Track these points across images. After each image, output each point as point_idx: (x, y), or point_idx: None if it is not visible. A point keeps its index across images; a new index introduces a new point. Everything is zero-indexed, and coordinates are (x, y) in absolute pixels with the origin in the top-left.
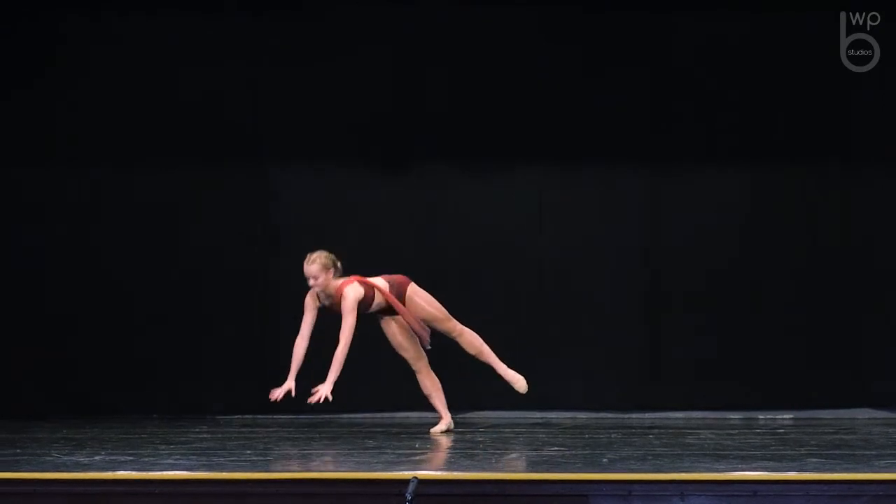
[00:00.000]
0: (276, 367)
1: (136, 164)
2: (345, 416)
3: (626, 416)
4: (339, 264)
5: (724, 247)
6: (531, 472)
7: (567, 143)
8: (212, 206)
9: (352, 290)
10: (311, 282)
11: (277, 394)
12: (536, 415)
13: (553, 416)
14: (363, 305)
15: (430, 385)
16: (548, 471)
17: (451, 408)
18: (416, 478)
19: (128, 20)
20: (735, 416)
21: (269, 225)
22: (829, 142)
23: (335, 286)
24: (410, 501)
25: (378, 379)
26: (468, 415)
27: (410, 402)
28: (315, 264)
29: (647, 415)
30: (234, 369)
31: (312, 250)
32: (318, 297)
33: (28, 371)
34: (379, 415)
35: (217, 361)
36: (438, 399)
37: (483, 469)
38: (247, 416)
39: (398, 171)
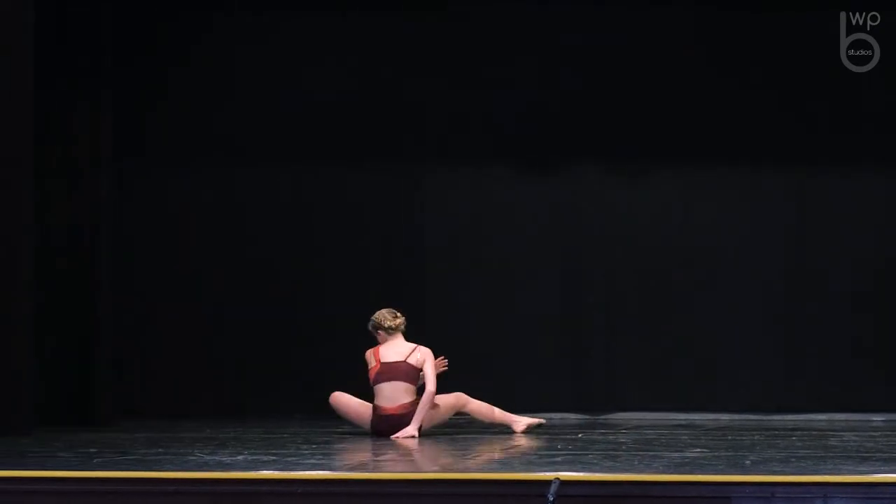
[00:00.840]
0: None
1: (280, 164)
2: None
3: (769, 417)
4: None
5: (872, 246)
6: (674, 473)
7: (712, 145)
8: (358, 209)
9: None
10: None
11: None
12: (679, 416)
13: (696, 418)
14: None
15: (484, 410)
16: (690, 472)
17: (595, 410)
18: (558, 479)
19: (273, 19)
20: (878, 418)
21: (414, 226)
22: None
23: None
24: (552, 502)
25: (521, 380)
26: (611, 416)
27: (553, 403)
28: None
29: (790, 416)
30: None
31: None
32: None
33: (174, 370)
34: (526, 416)
35: (361, 362)
36: (499, 413)
37: (625, 470)
38: None
39: (543, 172)
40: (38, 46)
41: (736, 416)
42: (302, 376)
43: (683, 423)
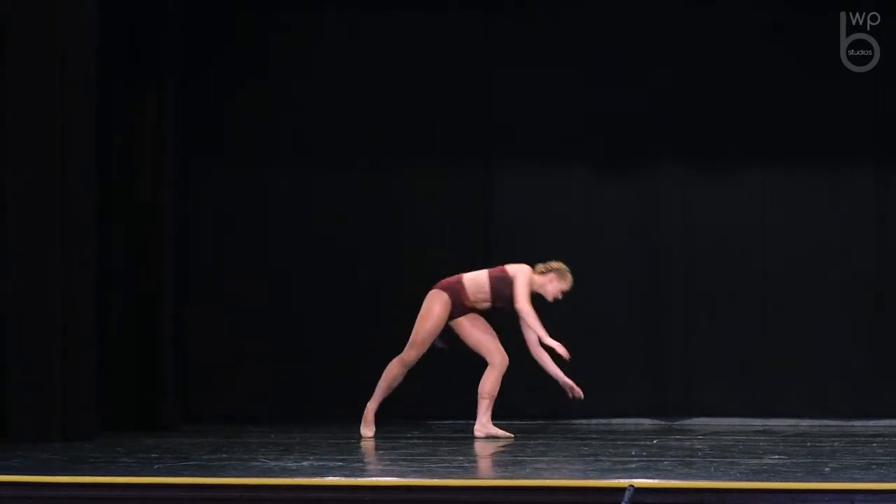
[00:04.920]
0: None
1: (356, 162)
2: (560, 422)
3: (850, 423)
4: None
5: None
6: (751, 480)
7: (792, 144)
8: (427, 207)
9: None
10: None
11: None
12: (757, 422)
13: (774, 424)
14: None
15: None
16: (768, 479)
17: (671, 415)
18: (632, 486)
19: (351, 18)
20: None
21: (494, 225)
22: None
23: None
24: None
25: (594, 384)
26: (686, 421)
27: (628, 409)
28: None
29: (871, 422)
30: (448, 374)
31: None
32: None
33: (240, 375)
34: (594, 421)
35: (430, 366)
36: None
37: (701, 477)
38: (460, 422)
39: (623, 171)
40: (106, 42)
41: (815, 422)
42: (372, 381)
43: (761, 429)
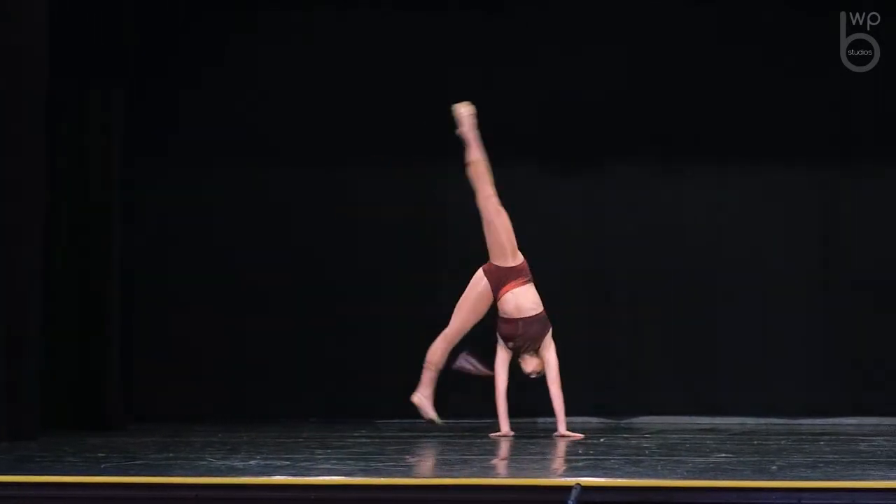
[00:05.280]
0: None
1: (305, 161)
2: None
3: (797, 422)
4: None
5: None
6: (698, 479)
7: (744, 142)
8: (386, 207)
9: None
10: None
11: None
12: (704, 420)
13: (721, 422)
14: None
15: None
16: (715, 478)
17: (615, 413)
18: (579, 484)
19: (304, 17)
20: None
21: (445, 222)
22: None
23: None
24: None
25: (540, 383)
26: (633, 420)
27: (574, 408)
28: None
29: (818, 421)
30: (395, 372)
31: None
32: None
33: (186, 374)
34: (541, 419)
35: (378, 365)
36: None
37: (648, 476)
38: (406, 421)
39: (571, 169)
40: (54, 41)
41: (762, 421)
42: (317, 380)
43: (708, 427)
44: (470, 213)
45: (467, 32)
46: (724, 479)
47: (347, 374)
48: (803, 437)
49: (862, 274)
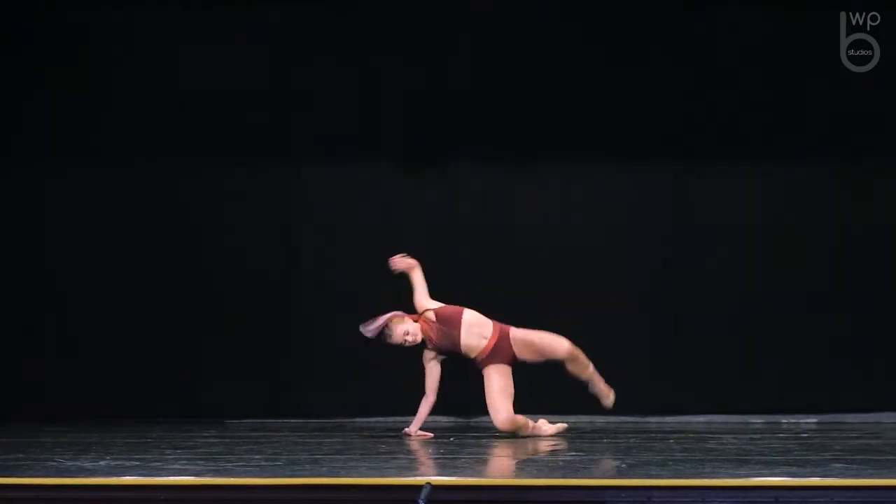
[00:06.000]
0: (286, 369)
1: (155, 162)
2: (358, 420)
3: (646, 420)
4: (395, 317)
5: (749, 248)
6: (548, 477)
7: (593, 140)
8: (230, 206)
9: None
10: (409, 338)
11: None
12: (555, 419)
13: (571, 420)
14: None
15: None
16: (565, 476)
17: (465, 412)
18: (429, 483)
19: (151, 15)
20: (757, 420)
21: (289, 225)
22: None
23: (417, 325)
24: None
25: (391, 382)
26: (483, 419)
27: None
28: (396, 328)
29: (668, 419)
30: (244, 372)
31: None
32: (434, 351)
33: (35, 374)
34: (392, 419)
35: (228, 364)
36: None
37: (497, 475)
38: (256, 420)
39: (421, 168)
40: None
41: (612, 419)
42: (167, 379)
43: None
44: (326, 212)
45: (314, 28)
46: (573, 478)
47: (196, 373)
48: (653, 435)
49: (710, 271)
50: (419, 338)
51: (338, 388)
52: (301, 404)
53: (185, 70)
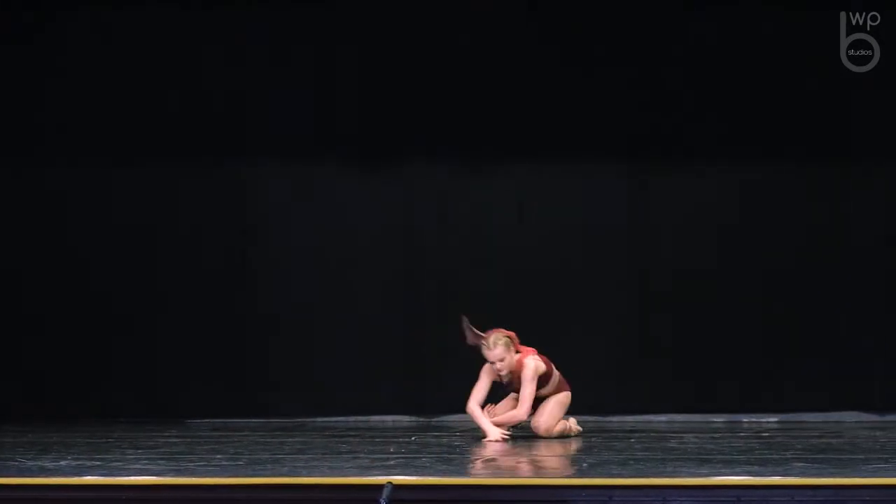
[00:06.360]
0: (247, 369)
1: (107, 161)
2: (319, 419)
3: (607, 419)
4: (516, 341)
5: (711, 247)
6: (509, 476)
7: (550, 139)
8: (185, 205)
9: (532, 361)
10: (498, 365)
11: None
12: None
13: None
14: (540, 381)
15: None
16: (526, 475)
17: (427, 411)
18: (390, 483)
19: (100, 15)
20: (719, 419)
21: (244, 224)
22: (826, 142)
23: (514, 360)
24: None
25: (353, 382)
26: (445, 418)
27: (385, 406)
28: (498, 348)
29: (629, 418)
30: (205, 372)
31: (487, 332)
32: (500, 375)
33: None
34: (353, 418)
35: (188, 364)
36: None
37: (460, 473)
38: (217, 420)
39: (376, 168)
40: None
41: (573, 418)
42: (128, 380)
43: (519, 425)
44: (282, 211)
45: (270, 25)
46: (535, 477)
47: (158, 374)
48: (614, 434)
49: (669, 272)
50: (504, 376)
51: (299, 388)
52: (263, 404)
53: (137, 68)
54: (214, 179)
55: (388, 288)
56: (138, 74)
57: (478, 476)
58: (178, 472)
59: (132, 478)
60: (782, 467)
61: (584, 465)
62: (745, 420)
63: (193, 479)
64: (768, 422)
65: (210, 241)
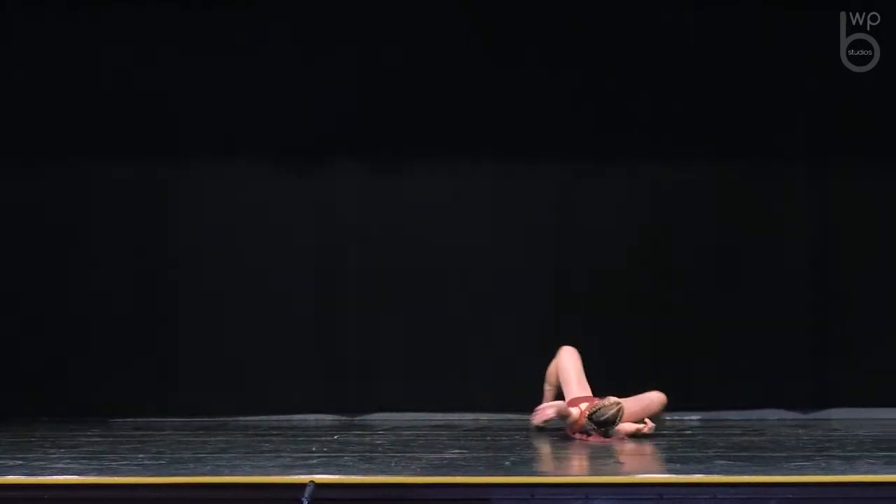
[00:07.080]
0: (169, 368)
1: (35, 160)
2: (241, 418)
3: (529, 417)
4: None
5: (639, 246)
6: (432, 475)
7: (476, 137)
8: (107, 204)
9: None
10: (569, 422)
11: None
12: (438, 417)
13: (455, 418)
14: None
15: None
16: (449, 474)
17: (349, 410)
18: (312, 482)
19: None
20: None
21: (166, 221)
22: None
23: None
24: None
25: (275, 381)
26: (367, 417)
27: (308, 405)
28: (566, 422)
29: None
30: (127, 371)
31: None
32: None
33: None
34: (275, 417)
35: (110, 363)
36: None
37: (382, 472)
38: (140, 420)
39: (303, 167)
40: None
41: (495, 416)
42: (49, 380)
43: (442, 423)
44: (205, 211)
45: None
46: (458, 476)
47: (80, 373)
48: (535, 432)
49: (594, 270)
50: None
51: (221, 387)
52: (185, 403)
53: (68, 68)
54: (138, 178)
55: (310, 287)
56: (69, 73)
57: (398, 475)
58: (101, 472)
59: (54, 477)
60: (704, 465)
61: (508, 462)
62: (667, 418)
63: (116, 478)
64: (690, 420)
65: (134, 240)
